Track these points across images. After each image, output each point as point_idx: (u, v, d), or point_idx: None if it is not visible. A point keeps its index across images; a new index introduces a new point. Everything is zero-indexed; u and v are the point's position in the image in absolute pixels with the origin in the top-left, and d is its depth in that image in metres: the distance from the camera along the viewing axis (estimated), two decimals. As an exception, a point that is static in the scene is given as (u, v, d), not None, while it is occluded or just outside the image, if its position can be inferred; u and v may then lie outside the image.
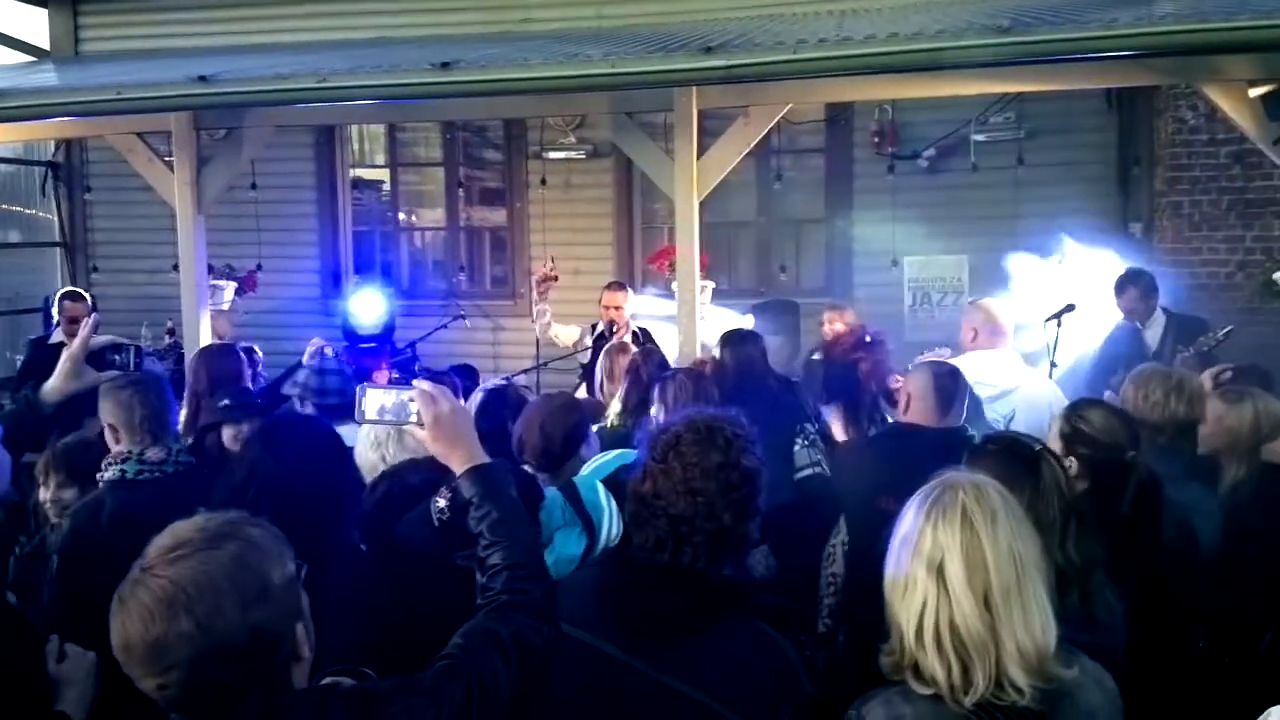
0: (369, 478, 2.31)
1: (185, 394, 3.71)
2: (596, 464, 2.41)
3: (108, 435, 2.52)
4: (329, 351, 4.38)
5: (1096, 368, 4.57)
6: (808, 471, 3.11)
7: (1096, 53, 3.45)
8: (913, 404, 2.92)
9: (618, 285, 5.60)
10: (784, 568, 2.95)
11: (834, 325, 5.00)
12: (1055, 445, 2.25)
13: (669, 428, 1.65)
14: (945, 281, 6.48)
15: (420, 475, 2.44)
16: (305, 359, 4.37)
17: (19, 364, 6.28)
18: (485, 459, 1.56)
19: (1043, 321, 4.60)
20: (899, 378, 3.54)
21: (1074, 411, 2.39)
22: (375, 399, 1.62)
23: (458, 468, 1.54)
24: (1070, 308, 4.72)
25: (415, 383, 1.60)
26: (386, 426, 1.65)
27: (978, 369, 3.56)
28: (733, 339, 3.81)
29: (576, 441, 2.58)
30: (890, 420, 3.35)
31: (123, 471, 2.44)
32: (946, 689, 1.42)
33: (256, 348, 4.74)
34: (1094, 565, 1.86)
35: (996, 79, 4.17)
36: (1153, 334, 4.69)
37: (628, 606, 1.59)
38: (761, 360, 3.66)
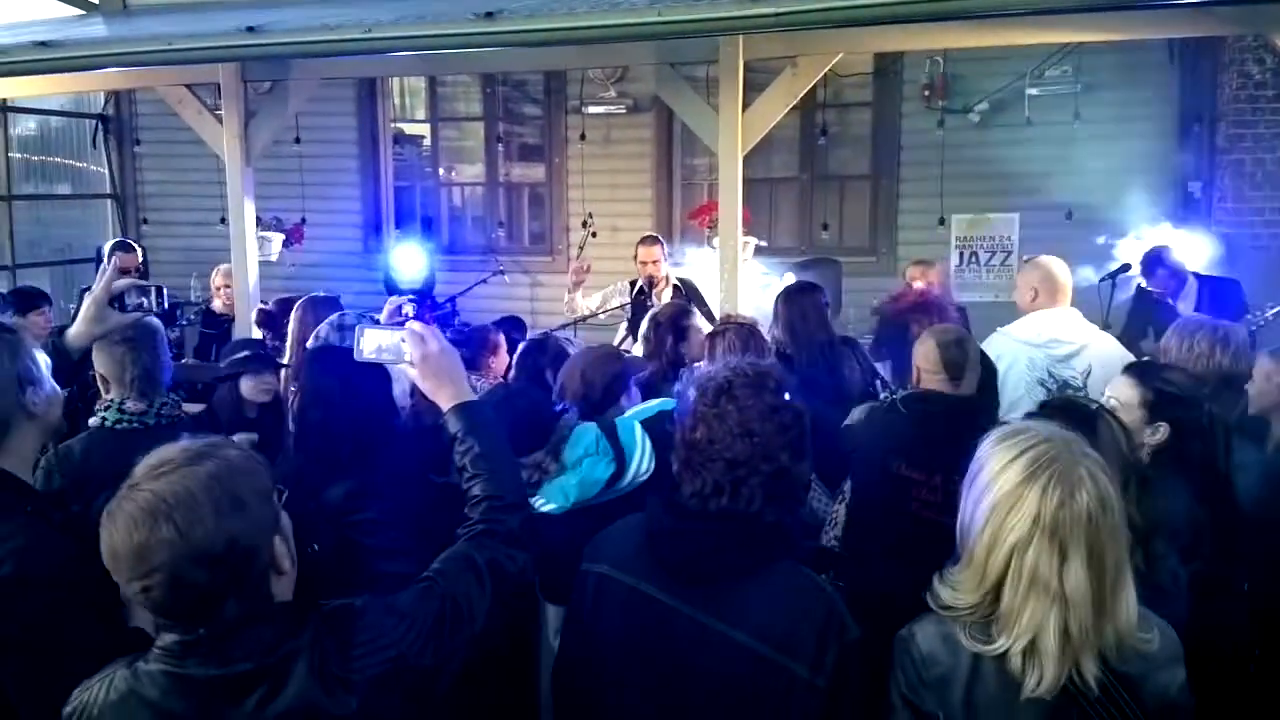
0: None
1: (289, 341, 3.82)
2: (639, 409, 2.54)
3: (101, 383, 2.58)
4: (408, 309, 4.41)
5: (1126, 333, 4.46)
6: None
7: (1164, -1, 3.31)
8: (923, 378, 2.81)
9: (652, 239, 5.46)
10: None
11: (915, 281, 4.91)
12: (1135, 414, 2.16)
13: (715, 375, 1.66)
14: (994, 241, 6.34)
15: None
16: (383, 319, 4.43)
17: (72, 312, 6.45)
18: (471, 397, 1.64)
19: (1098, 280, 4.50)
20: None
21: (1150, 378, 2.28)
22: (373, 338, 1.67)
23: (444, 405, 1.62)
24: (1126, 268, 4.63)
25: (408, 324, 1.65)
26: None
27: (1046, 328, 3.48)
28: (792, 291, 3.73)
29: (616, 391, 2.65)
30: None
31: (103, 420, 2.51)
32: (1015, 674, 1.40)
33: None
34: (1158, 529, 1.81)
35: (1056, 28, 4.02)
36: (1186, 305, 4.54)
37: (675, 551, 1.60)
38: (822, 312, 3.58)
